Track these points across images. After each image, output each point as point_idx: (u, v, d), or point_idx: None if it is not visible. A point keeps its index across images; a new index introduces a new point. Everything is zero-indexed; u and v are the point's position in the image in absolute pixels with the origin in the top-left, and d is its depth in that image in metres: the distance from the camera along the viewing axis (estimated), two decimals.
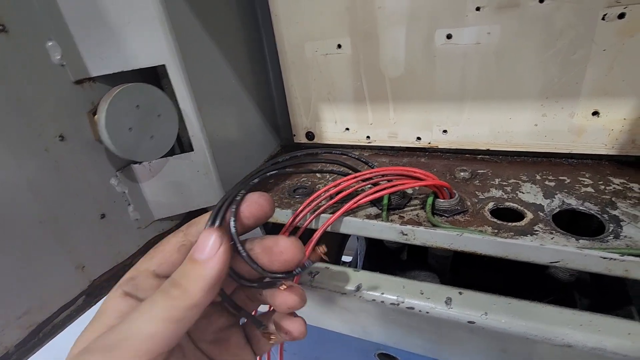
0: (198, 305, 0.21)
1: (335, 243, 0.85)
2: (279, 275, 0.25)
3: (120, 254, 0.42)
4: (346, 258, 1.09)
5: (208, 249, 0.21)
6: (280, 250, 0.25)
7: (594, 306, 0.51)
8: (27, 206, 0.32)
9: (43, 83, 0.32)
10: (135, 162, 0.40)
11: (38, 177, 0.33)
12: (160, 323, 0.19)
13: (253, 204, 0.25)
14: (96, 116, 0.35)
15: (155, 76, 0.41)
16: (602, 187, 0.43)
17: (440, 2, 0.45)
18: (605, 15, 0.39)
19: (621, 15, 0.39)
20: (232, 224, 0.24)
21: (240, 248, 0.24)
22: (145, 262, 0.25)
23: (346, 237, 0.84)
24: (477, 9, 0.44)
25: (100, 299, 0.40)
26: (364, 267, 0.76)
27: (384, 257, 0.70)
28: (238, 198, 0.25)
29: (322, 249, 0.24)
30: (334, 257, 0.87)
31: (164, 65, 0.38)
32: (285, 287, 0.24)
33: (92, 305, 0.39)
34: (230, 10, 0.51)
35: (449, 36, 0.47)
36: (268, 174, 0.31)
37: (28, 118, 0.32)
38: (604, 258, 0.30)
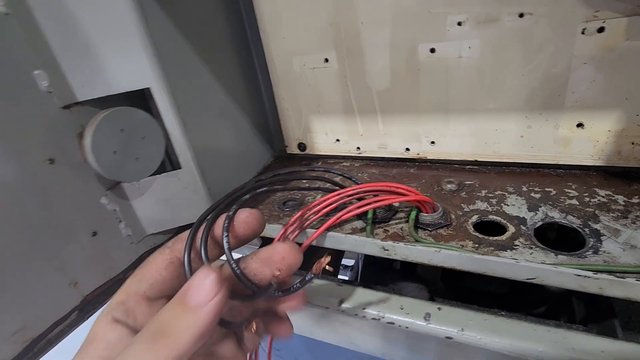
0: (188, 353, 0.19)
1: (334, 251, 0.85)
2: (280, 293, 0.24)
3: (113, 269, 0.43)
4: (348, 261, 1.10)
5: (204, 293, 0.19)
6: (281, 257, 0.23)
7: (585, 315, 0.51)
8: (19, 228, 0.34)
9: (31, 110, 0.34)
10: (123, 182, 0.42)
11: (29, 200, 0.34)
12: None
13: (241, 224, 0.25)
14: (83, 140, 0.36)
15: (142, 97, 0.42)
16: (587, 199, 0.43)
17: (422, 17, 0.46)
18: (584, 29, 0.39)
19: (600, 29, 0.39)
20: (225, 241, 0.24)
21: (237, 270, 0.23)
22: (134, 284, 0.24)
23: None
24: (459, 23, 0.44)
25: (93, 313, 0.41)
26: (362, 273, 0.76)
27: (379, 265, 0.71)
28: (231, 213, 0.25)
29: (327, 259, 0.24)
30: (333, 264, 0.87)
31: (149, 88, 0.39)
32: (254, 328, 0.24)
33: (85, 320, 0.40)
34: (219, 27, 0.53)
35: (432, 50, 0.48)
36: (245, 196, 0.32)
37: (16, 145, 0.33)
38: (578, 275, 0.31)
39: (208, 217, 0.26)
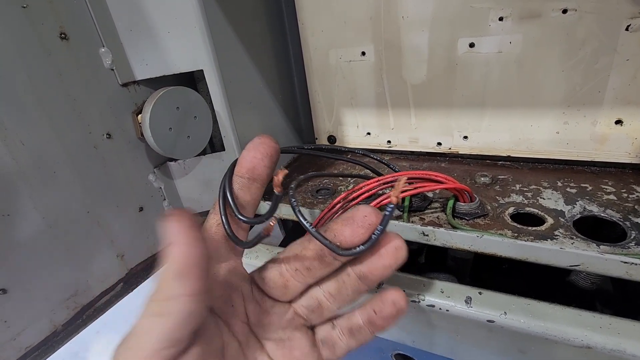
0: (173, 298, 0.19)
1: None
2: (358, 249, 0.22)
3: (155, 245, 0.45)
4: None
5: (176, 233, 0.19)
6: (364, 215, 0.22)
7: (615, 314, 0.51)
8: (77, 198, 0.35)
9: (95, 86, 0.36)
10: (172, 160, 0.43)
11: (87, 172, 0.36)
12: (145, 319, 0.19)
13: (253, 147, 0.25)
14: (140, 116, 0.38)
15: (191, 80, 0.44)
16: (625, 195, 0.43)
17: (464, 12, 0.47)
18: (629, 26, 0.40)
19: None
20: (293, 202, 0.23)
21: (307, 225, 0.23)
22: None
23: None
24: (500, 19, 0.45)
25: (136, 287, 0.42)
26: None
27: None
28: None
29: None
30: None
31: (201, 70, 0.41)
32: (274, 222, 0.23)
33: (130, 292, 0.41)
34: (261, 19, 0.54)
35: (471, 45, 0.48)
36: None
37: (81, 117, 0.35)
38: (625, 262, 0.31)
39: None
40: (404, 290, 0.38)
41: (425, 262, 0.68)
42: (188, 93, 0.39)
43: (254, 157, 0.25)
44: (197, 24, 0.38)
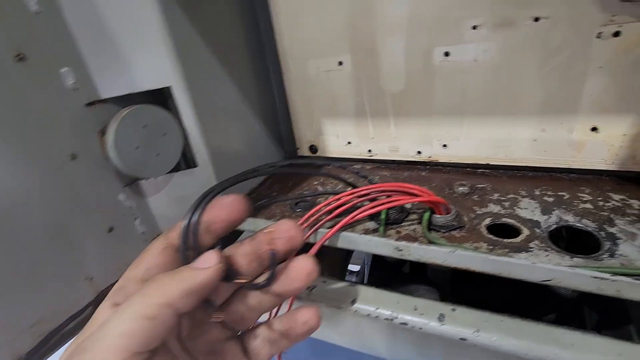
0: (172, 305, 0.21)
1: (341, 254, 0.85)
2: (260, 284, 0.25)
3: (127, 265, 0.44)
4: (353, 267, 1.10)
5: (207, 260, 0.22)
6: (285, 228, 0.25)
7: (598, 323, 0.50)
8: (39, 222, 0.34)
9: (57, 106, 0.35)
10: (142, 178, 0.42)
11: (50, 195, 0.35)
12: (134, 321, 0.20)
13: (220, 207, 0.25)
14: (105, 136, 0.37)
15: (162, 96, 0.43)
16: (601, 203, 0.42)
17: (438, 21, 0.46)
18: (600, 33, 0.40)
19: (616, 34, 0.39)
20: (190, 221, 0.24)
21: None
22: (132, 270, 0.25)
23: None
24: (474, 27, 0.45)
25: None
26: (369, 277, 0.76)
27: (387, 269, 0.71)
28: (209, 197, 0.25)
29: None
30: (339, 269, 0.87)
31: (169, 87, 0.40)
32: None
33: None
34: (236, 29, 0.54)
35: (446, 53, 0.48)
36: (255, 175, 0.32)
37: (42, 140, 0.34)
38: (596, 277, 0.30)
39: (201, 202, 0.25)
40: (377, 308, 0.37)
41: (409, 272, 0.67)
42: (155, 110, 0.39)
43: (215, 215, 0.25)
44: (163, 41, 0.38)
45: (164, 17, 0.37)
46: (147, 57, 0.38)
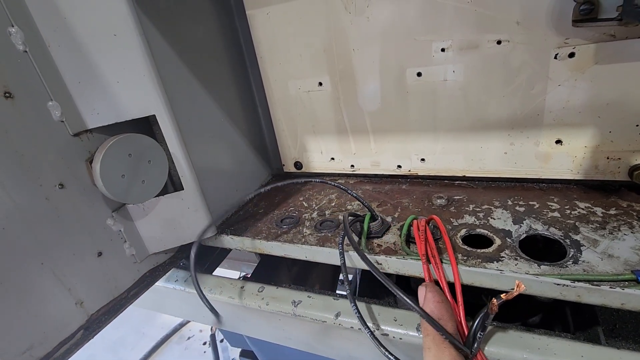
0: None
1: (330, 266, 0.87)
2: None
3: (117, 288, 0.45)
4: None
5: None
6: None
7: (575, 325, 0.52)
8: (29, 249, 0.36)
9: (44, 139, 0.36)
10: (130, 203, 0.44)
11: (39, 224, 0.36)
12: None
13: None
14: (92, 165, 0.38)
15: (147, 124, 0.45)
16: (568, 211, 0.45)
17: (409, 44, 0.49)
18: (557, 54, 0.43)
19: (571, 55, 0.42)
20: None
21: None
22: None
23: None
24: (442, 50, 0.48)
25: (98, 332, 0.42)
26: (360, 287, 0.78)
27: (375, 279, 0.72)
28: None
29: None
30: (330, 282, 0.89)
31: (154, 115, 0.42)
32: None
33: (90, 339, 0.41)
34: (219, 55, 0.56)
35: (419, 74, 0.51)
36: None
37: (30, 172, 0.35)
38: (557, 284, 0.33)
39: None
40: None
41: (396, 281, 0.69)
42: (140, 139, 0.40)
43: None
44: (146, 72, 0.40)
45: (147, 50, 0.39)
46: (131, 88, 0.40)
